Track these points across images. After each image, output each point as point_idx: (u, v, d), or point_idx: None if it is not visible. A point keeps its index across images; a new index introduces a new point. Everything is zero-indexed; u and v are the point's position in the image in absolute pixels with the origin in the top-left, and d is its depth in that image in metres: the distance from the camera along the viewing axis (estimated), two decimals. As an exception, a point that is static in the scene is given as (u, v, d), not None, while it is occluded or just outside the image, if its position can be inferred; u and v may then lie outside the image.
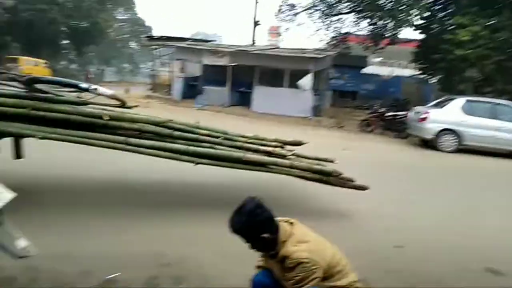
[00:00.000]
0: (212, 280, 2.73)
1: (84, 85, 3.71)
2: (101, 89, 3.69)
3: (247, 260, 2.30)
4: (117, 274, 2.68)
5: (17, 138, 3.94)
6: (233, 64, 15.53)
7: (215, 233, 3.57)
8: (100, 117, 3.63)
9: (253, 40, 24.76)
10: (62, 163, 5.18)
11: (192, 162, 3.77)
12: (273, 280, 2.08)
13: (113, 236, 3.27)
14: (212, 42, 22.16)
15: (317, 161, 4.31)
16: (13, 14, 29.22)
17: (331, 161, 4.40)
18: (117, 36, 46.64)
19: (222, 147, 3.99)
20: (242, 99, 16.13)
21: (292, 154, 4.25)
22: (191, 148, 3.80)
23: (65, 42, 37.94)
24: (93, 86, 3.65)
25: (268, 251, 2.00)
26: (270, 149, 4.12)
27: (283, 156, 4.09)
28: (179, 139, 3.89)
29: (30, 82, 3.83)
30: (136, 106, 4.55)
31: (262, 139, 4.38)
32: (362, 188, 4.17)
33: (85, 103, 3.95)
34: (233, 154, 3.92)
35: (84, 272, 2.67)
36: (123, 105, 4.13)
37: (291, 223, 2.05)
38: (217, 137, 4.13)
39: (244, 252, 2.10)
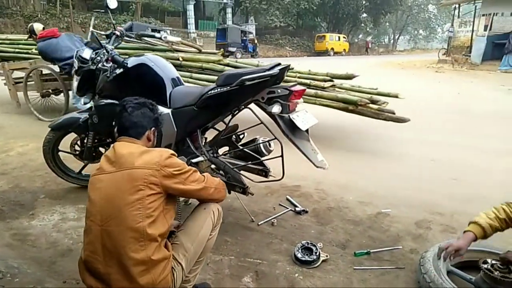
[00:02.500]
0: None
1: (157, 35, 4.90)
2: (169, 37, 4.87)
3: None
4: (388, 210, 2.93)
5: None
6: None
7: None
8: (178, 59, 5.18)
9: None
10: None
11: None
12: None
13: (388, 179, 3.54)
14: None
15: (370, 95, 4.35)
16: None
17: (395, 96, 4.53)
18: (414, 0, 45.06)
19: None
20: None
21: (334, 85, 4.73)
22: None
23: (364, 15, 40.24)
24: (164, 35, 4.72)
25: None
26: (308, 81, 4.61)
27: (322, 88, 4.52)
28: None
29: (139, 37, 5.33)
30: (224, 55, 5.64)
31: (314, 74, 4.94)
32: (401, 120, 4.23)
33: (171, 50, 5.41)
34: None
35: (361, 202, 3.09)
36: (199, 51, 5.61)
37: None
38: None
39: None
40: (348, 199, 3.14)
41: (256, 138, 2.70)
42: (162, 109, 2.57)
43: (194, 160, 2.46)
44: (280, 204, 3.04)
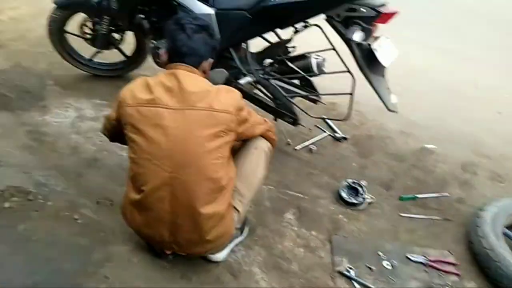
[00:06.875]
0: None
1: None
2: None
3: None
4: (432, 146, 2.74)
5: None
6: None
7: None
8: None
9: None
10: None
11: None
12: None
13: (429, 108, 3.26)
14: None
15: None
16: None
17: None
18: None
19: None
20: None
21: None
22: None
23: None
24: None
25: None
26: None
27: None
28: None
29: None
30: None
31: None
32: None
33: None
34: None
35: (403, 132, 2.88)
36: None
37: None
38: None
39: None
40: (388, 127, 2.90)
41: (307, 54, 2.29)
42: (202, 8, 2.09)
43: (242, 81, 2.10)
44: (316, 126, 2.79)
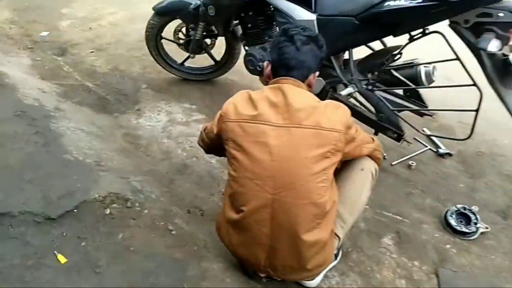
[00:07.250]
0: None
1: None
2: None
3: None
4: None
5: None
6: None
7: None
8: None
9: None
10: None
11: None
12: None
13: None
14: None
15: None
16: None
17: None
18: None
19: None
20: None
21: None
22: None
23: None
24: None
25: None
26: None
27: None
28: None
29: None
30: None
31: None
32: None
33: None
34: None
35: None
36: None
37: None
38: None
39: None
40: (503, 144, 2.53)
41: (414, 61, 2.05)
42: (303, 14, 1.97)
43: (344, 92, 1.94)
44: (415, 139, 2.52)
